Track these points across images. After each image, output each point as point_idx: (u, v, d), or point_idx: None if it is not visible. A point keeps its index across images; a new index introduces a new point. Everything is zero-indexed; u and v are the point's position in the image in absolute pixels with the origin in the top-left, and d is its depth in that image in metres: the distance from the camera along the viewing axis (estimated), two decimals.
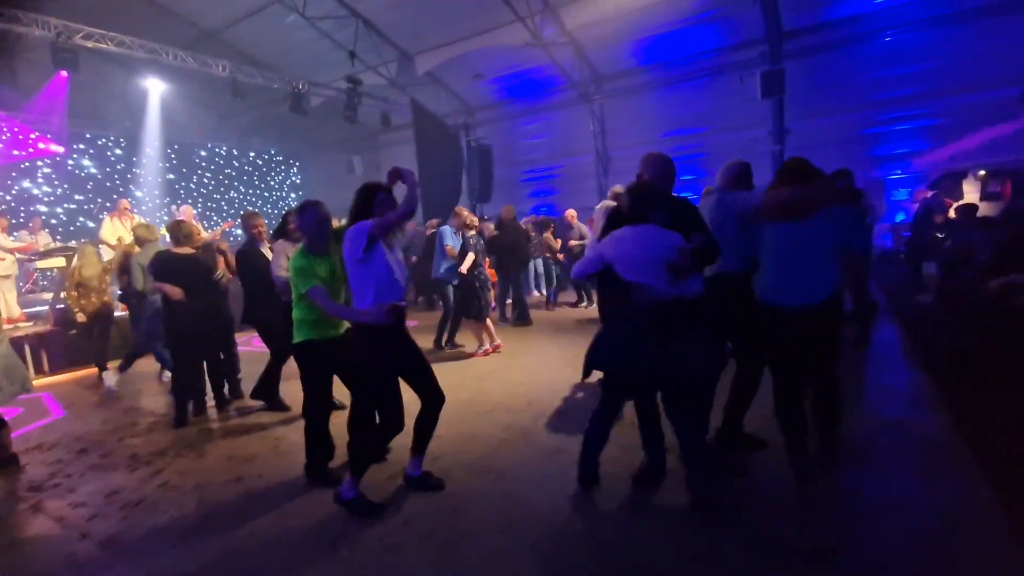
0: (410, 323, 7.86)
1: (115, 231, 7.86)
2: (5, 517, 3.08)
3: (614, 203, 4.40)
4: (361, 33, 11.50)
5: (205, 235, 9.04)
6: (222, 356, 4.80)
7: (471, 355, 5.97)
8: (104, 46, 8.72)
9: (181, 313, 4.29)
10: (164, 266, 4.34)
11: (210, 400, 4.74)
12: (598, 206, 4.52)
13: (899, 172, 9.94)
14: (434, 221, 10.05)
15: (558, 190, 13.96)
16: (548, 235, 8.94)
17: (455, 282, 6.22)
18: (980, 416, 3.43)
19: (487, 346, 6.02)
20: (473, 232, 6.09)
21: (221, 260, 4.67)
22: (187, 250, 4.43)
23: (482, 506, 2.82)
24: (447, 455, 3.45)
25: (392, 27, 11.83)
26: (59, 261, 7.58)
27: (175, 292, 4.24)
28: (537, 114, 14.12)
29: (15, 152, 10.53)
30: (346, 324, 3.08)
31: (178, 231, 4.45)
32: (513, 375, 5.15)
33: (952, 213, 7.58)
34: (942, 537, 2.30)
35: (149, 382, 5.84)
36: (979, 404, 3.63)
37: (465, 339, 6.40)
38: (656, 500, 2.76)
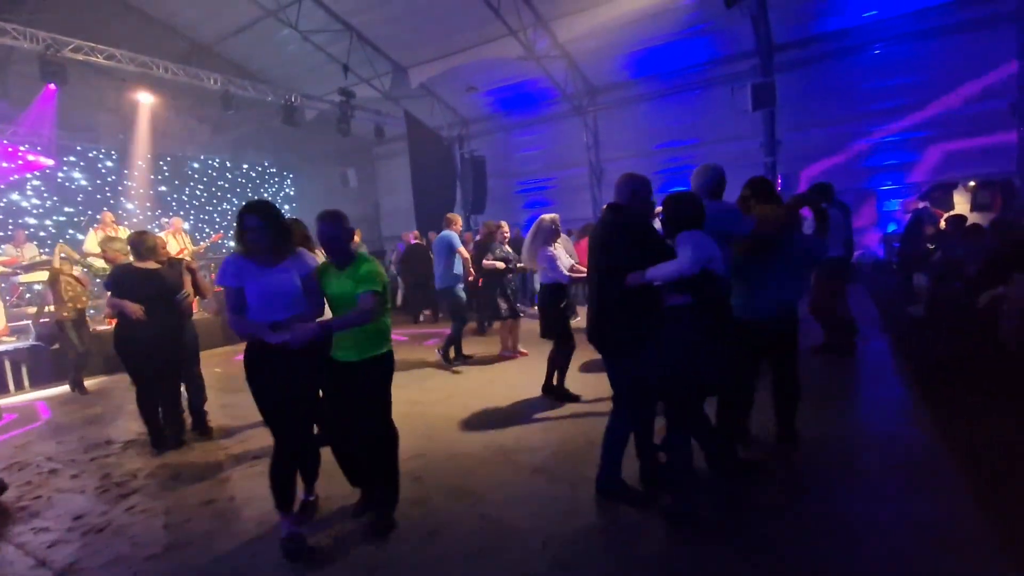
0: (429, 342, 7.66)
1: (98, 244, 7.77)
2: None
3: (550, 217, 4.68)
4: (355, 46, 11.54)
5: (192, 247, 9.00)
6: (182, 382, 4.40)
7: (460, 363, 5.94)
8: (94, 59, 8.70)
9: (137, 332, 3.93)
10: (123, 281, 4.00)
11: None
12: (543, 218, 4.68)
13: (890, 183, 9.96)
14: (416, 232, 9.97)
15: (552, 201, 13.96)
16: None
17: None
18: (970, 431, 3.36)
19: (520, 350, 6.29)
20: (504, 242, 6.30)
21: (188, 279, 4.32)
22: (151, 265, 4.09)
23: (458, 530, 2.72)
24: (427, 475, 3.35)
25: (386, 40, 11.88)
26: (43, 274, 7.47)
27: (135, 310, 3.88)
28: (531, 126, 14.17)
29: (4, 164, 10.47)
30: (371, 351, 2.68)
31: (140, 243, 4.08)
32: (498, 390, 5.05)
33: (943, 224, 7.56)
34: (930, 560, 2.21)
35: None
36: (969, 418, 3.56)
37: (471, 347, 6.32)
38: (635, 521, 2.66)
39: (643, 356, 2.67)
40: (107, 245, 5.01)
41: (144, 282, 4.03)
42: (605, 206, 2.83)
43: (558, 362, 4.66)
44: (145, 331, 3.95)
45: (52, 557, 2.73)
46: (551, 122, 13.67)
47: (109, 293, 4.09)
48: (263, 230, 2.49)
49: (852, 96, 9.96)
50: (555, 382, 4.69)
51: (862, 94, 9.88)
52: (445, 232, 6.28)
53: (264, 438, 4.21)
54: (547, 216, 4.67)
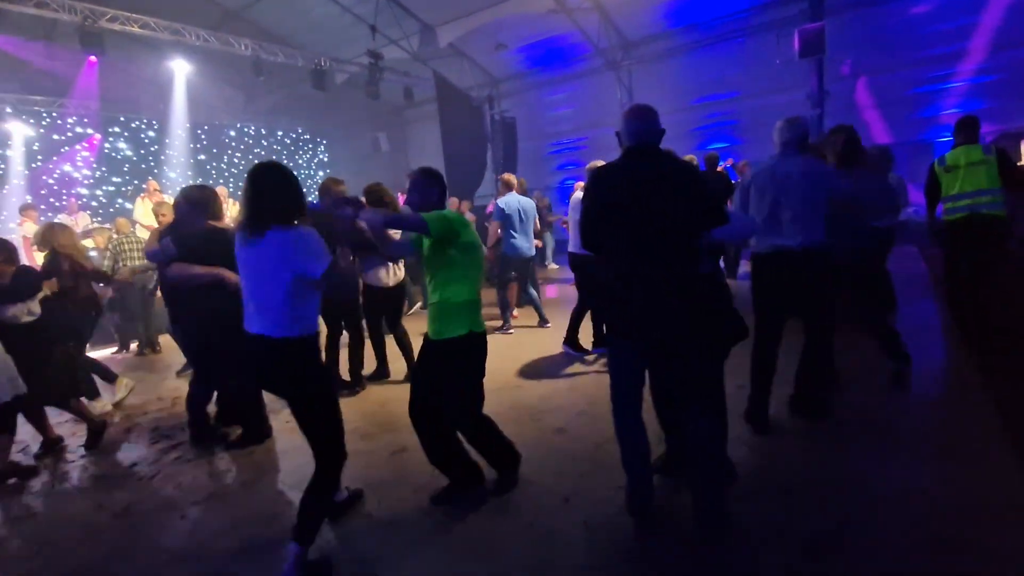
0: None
1: (147, 212, 8.10)
2: (31, 487, 3.25)
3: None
4: (382, 6, 11.33)
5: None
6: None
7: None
8: (129, 28, 8.85)
9: (223, 308, 3.09)
10: (214, 246, 3.24)
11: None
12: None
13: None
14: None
15: (584, 162, 13.61)
16: None
17: None
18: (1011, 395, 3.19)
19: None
20: None
21: None
22: (226, 224, 3.51)
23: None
24: None
25: None
26: (96, 241, 7.87)
27: (235, 277, 2.96)
28: (563, 84, 13.74)
29: (55, 137, 10.94)
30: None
31: (214, 199, 3.41)
32: (525, 352, 5.10)
33: None
34: (955, 530, 2.13)
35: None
36: (1010, 382, 3.37)
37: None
38: (660, 481, 2.67)
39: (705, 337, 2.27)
40: (161, 210, 4.84)
41: (231, 247, 3.39)
42: (631, 147, 2.26)
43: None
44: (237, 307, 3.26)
45: (110, 500, 2.97)
46: (583, 79, 13.22)
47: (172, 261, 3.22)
48: None
49: (909, 40, 9.17)
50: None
51: (920, 38, 9.09)
52: (525, 198, 5.92)
53: None
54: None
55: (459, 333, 2.47)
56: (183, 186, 12.82)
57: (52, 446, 3.73)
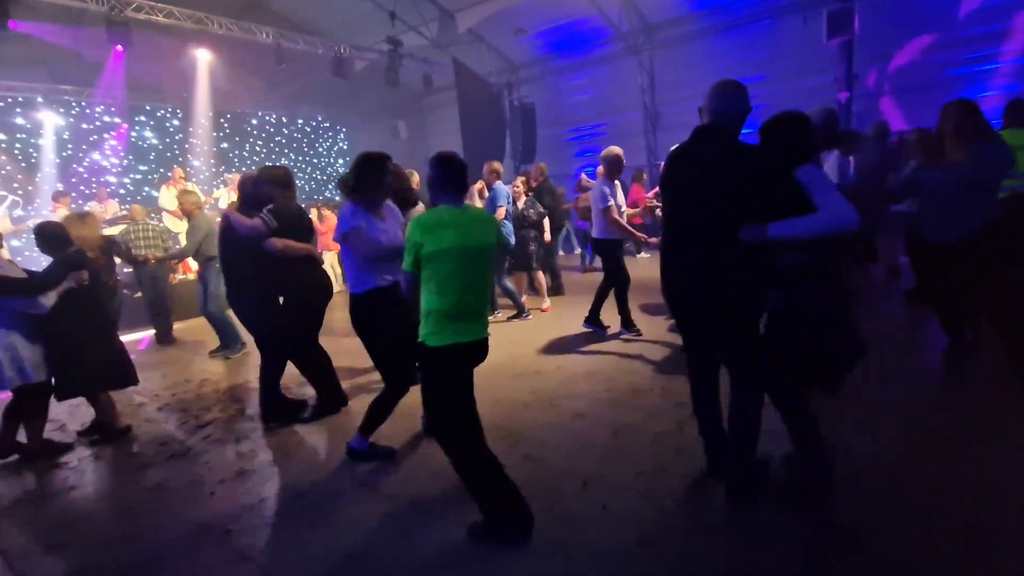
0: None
1: (172, 199, 8.28)
2: (68, 463, 3.38)
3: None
4: None
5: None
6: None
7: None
8: (154, 17, 8.97)
9: (305, 284, 3.49)
10: (301, 224, 3.53)
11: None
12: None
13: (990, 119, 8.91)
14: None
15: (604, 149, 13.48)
16: (585, 196, 8.71)
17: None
18: None
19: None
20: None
21: None
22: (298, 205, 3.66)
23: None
24: None
25: None
26: (122, 227, 8.07)
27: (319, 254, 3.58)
28: (582, 69, 13.54)
29: (84, 126, 11.19)
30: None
31: (293, 179, 3.57)
32: (544, 339, 5.10)
33: None
34: (990, 522, 2.09)
35: (210, 343, 6.18)
36: None
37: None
38: (675, 467, 2.67)
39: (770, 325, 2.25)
40: (183, 198, 5.15)
41: (311, 227, 3.69)
42: (700, 128, 2.28)
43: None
44: (312, 280, 3.53)
45: (143, 477, 3.08)
46: (604, 64, 13.01)
47: (268, 237, 3.33)
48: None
49: (946, 19, 8.80)
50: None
51: (958, 17, 8.74)
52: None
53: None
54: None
55: (419, 339, 2.27)
56: (207, 174, 12.96)
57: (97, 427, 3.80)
